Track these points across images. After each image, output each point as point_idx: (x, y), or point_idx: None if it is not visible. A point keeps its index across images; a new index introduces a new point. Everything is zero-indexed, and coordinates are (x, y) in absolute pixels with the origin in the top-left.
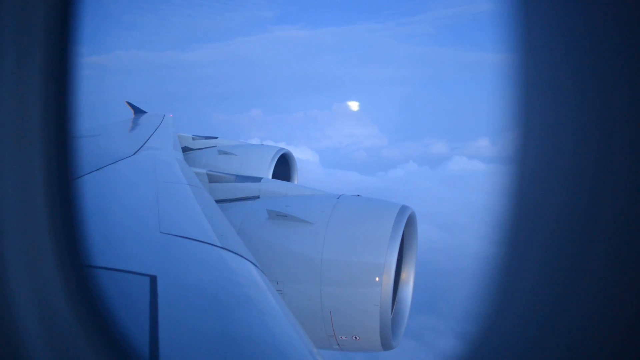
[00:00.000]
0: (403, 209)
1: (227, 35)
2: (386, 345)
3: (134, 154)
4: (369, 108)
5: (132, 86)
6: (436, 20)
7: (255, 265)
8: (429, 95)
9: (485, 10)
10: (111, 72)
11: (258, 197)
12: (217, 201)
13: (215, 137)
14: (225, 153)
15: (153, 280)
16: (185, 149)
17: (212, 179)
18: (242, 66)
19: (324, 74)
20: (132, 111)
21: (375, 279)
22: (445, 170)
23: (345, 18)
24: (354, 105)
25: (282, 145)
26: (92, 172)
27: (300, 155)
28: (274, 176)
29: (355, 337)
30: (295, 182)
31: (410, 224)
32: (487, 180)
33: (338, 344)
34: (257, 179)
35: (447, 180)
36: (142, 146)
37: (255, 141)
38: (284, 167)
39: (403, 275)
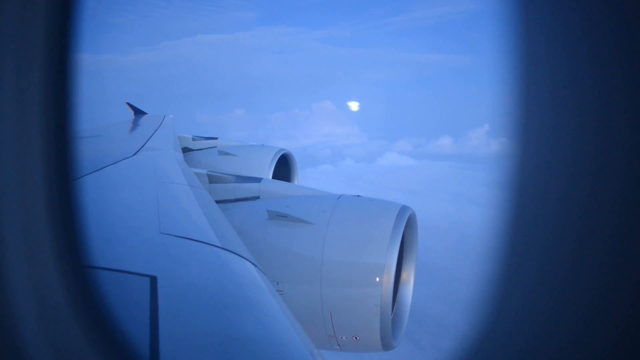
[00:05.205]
0: (403, 209)
1: (190, 32)
2: (386, 345)
3: (134, 154)
4: (351, 108)
5: (107, 87)
6: (419, 20)
7: (255, 265)
8: (414, 95)
9: (470, 11)
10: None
11: (258, 197)
12: (218, 202)
13: (216, 138)
14: (225, 154)
15: (153, 280)
16: (185, 150)
17: (213, 179)
18: (216, 66)
19: (307, 74)
20: (132, 112)
21: (376, 279)
22: (374, 166)
23: (327, 19)
24: (353, 106)
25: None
26: (93, 172)
27: None
28: (274, 177)
29: (356, 338)
30: (296, 183)
31: (410, 224)
32: (398, 176)
33: (338, 344)
34: (257, 180)
35: (363, 176)
36: (142, 147)
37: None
38: (284, 168)
39: (403, 275)
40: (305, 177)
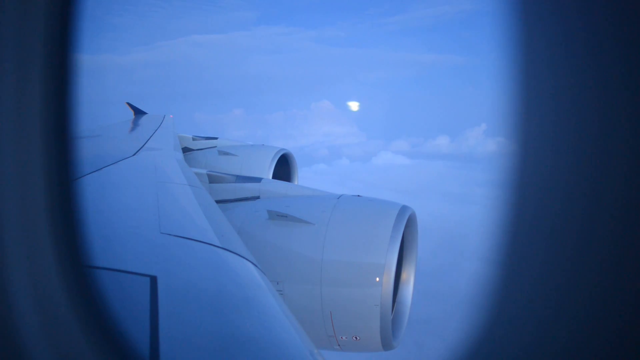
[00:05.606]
0: (403, 209)
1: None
2: (387, 345)
3: (135, 154)
4: (350, 107)
5: (105, 87)
6: (417, 20)
7: (255, 265)
8: (413, 95)
9: (469, 10)
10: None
11: (258, 197)
12: (218, 201)
13: (216, 138)
14: (225, 154)
15: (153, 280)
16: (185, 150)
17: (213, 179)
18: (203, 66)
19: (305, 74)
20: (132, 112)
21: (376, 279)
22: (368, 165)
23: (326, 19)
24: (353, 106)
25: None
26: (93, 172)
27: None
28: (274, 176)
29: (356, 337)
30: (296, 183)
31: (410, 224)
32: (391, 175)
33: (338, 344)
34: (258, 180)
35: (355, 176)
36: (142, 147)
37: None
38: (284, 168)
39: (403, 275)
40: (299, 177)
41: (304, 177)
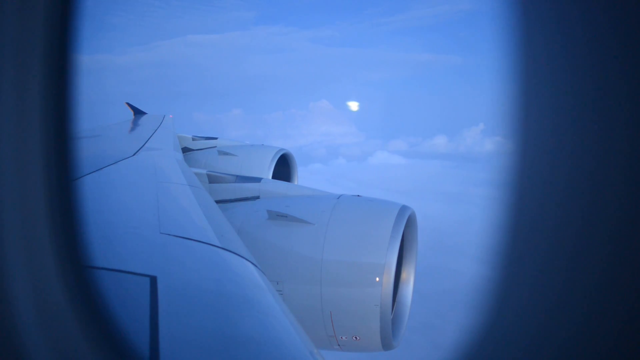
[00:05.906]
0: (403, 209)
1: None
2: (387, 345)
3: (134, 154)
4: (349, 107)
5: (105, 87)
6: (417, 19)
7: (255, 265)
8: (412, 95)
9: (469, 10)
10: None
11: (258, 197)
12: (217, 202)
13: (215, 138)
14: (225, 154)
15: (153, 280)
16: (185, 150)
17: (212, 179)
18: (201, 67)
19: (303, 74)
20: (132, 112)
21: (376, 279)
22: (364, 165)
23: (325, 18)
24: (352, 105)
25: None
26: (93, 172)
27: None
28: (274, 176)
29: (356, 337)
30: (296, 183)
31: (410, 224)
32: (386, 175)
33: (338, 344)
34: (257, 180)
35: (350, 175)
36: (142, 147)
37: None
38: (284, 168)
39: (403, 275)
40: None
41: (300, 176)
